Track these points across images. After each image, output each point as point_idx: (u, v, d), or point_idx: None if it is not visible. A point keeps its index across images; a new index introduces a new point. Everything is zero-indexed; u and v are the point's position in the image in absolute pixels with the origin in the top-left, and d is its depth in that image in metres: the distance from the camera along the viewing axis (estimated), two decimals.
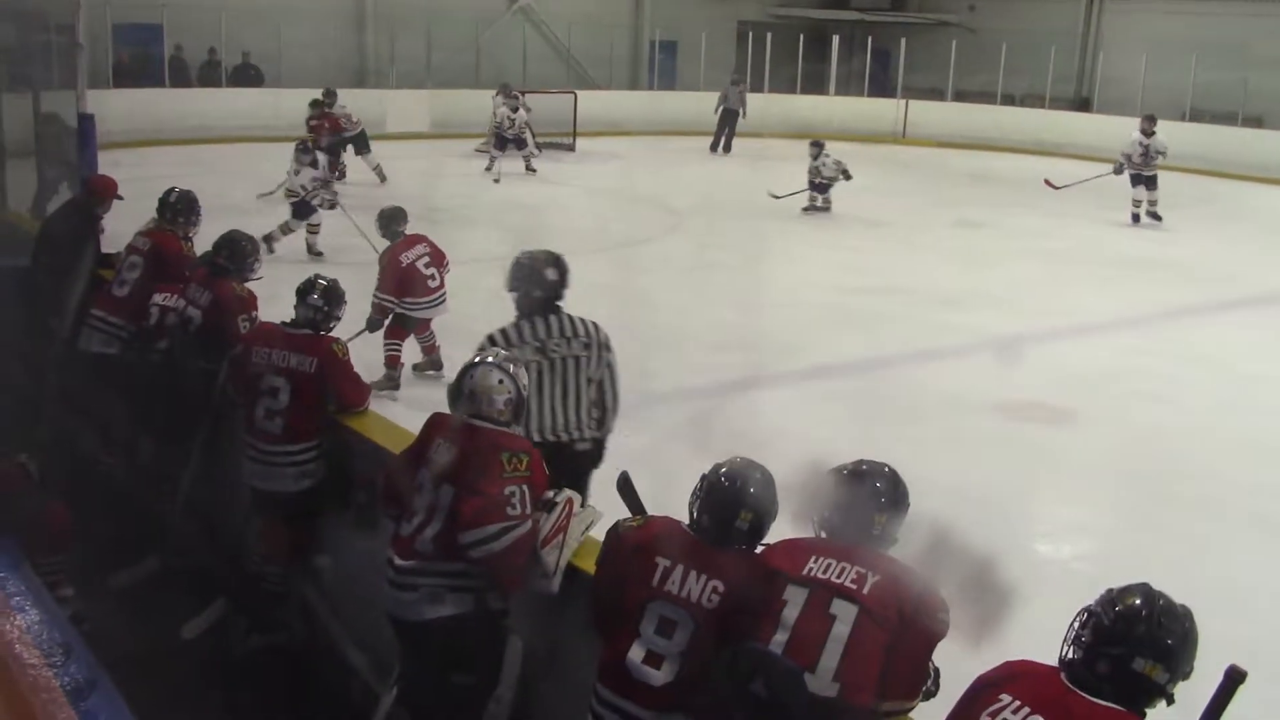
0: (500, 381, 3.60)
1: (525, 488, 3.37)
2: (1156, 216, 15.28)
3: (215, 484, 5.12)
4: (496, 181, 16.47)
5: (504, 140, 17.23)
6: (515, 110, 17.49)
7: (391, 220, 7.46)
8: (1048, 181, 16.16)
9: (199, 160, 15.37)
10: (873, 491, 2.92)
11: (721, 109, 22.22)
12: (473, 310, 9.29)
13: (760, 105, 24.63)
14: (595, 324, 4.45)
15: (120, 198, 7.03)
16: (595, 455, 4.42)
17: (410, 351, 7.75)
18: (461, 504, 3.36)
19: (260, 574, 4.66)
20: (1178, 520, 6.18)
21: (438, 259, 7.44)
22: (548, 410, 4.26)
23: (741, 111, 22.12)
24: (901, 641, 2.68)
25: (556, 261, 4.43)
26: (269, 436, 4.50)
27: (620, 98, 24.92)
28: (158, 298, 5.80)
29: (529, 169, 17.66)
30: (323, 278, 4.91)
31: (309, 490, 4.54)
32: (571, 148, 21.01)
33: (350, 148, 15.43)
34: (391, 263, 7.25)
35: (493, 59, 23.96)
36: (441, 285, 7.47)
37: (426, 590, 3.43)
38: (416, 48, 22.65)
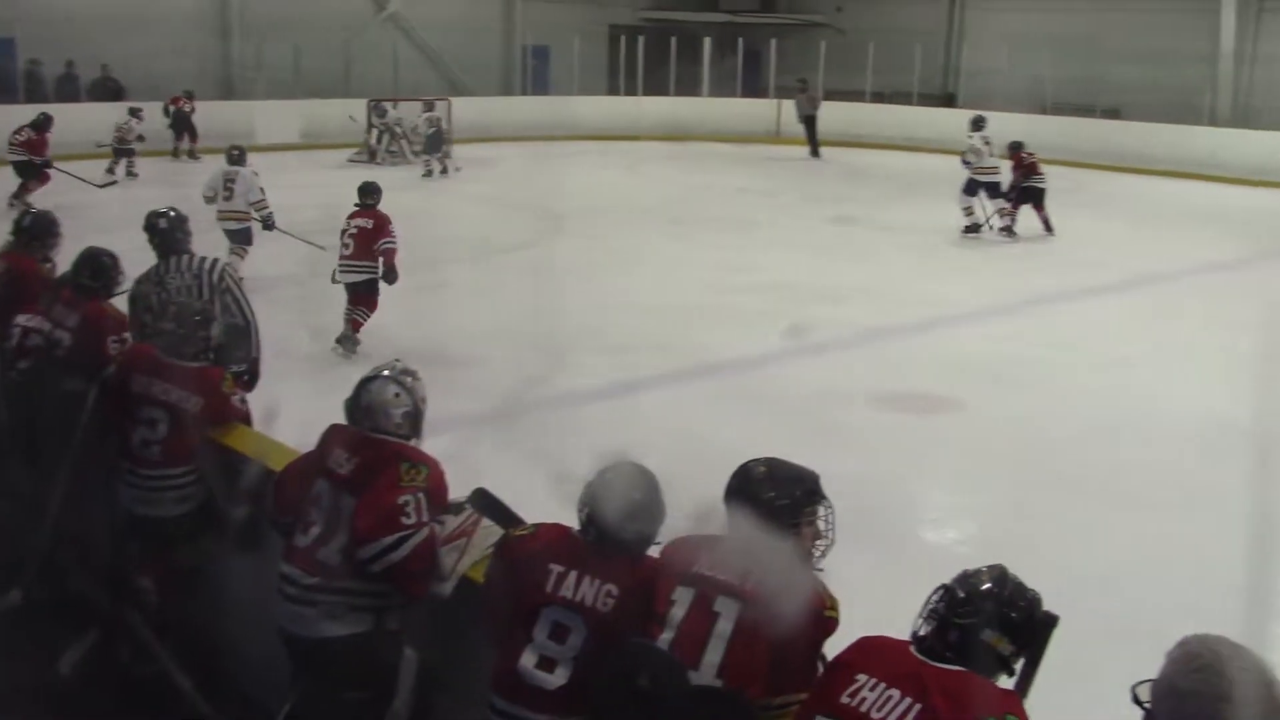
0: (397, 395, 3.56)
1: (421, 496, 3.34)
2: (972, 229, 14.48)
3: (87, 510, 4.95)
4: (429, 175, 18.68)
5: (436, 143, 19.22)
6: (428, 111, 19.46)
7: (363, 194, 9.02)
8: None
9: (58, 177, 14.84)
10: (757, 506, 2.92)
11: (801, 116, 22.86)
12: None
13: (634, 109, 24.81)
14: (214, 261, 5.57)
15: None
16: None
17: None
18: (356, 517, 3.33)
19: (139, 601, 4.51)
20: (1051, 500, 6.37)
21: (363, 235, 8.68)
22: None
23: (816, 113, 22.80)
24: (788, 637, 2.69)
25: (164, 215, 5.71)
26: (147, 462, 4.36)
27: (494, 103, 24.82)
28: (20, 319, 5.57)
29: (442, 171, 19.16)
30: (206, 306, 4.79)
31: (189, 514, 4.42)
32: (447, 154, 20.84)
33: None
34: None
35: (363, 67, 23.63)
36: (350, 254, 8.71)
37: (325, 606, 3.37)
38: (284, 57, 22.25)
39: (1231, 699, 1.96)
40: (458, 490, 3.52)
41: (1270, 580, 4.66)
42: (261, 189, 10.84)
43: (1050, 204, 14.58)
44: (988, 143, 14.43)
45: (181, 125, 19.63)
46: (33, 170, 14.88)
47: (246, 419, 4.57)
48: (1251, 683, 1.98)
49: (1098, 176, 20.46)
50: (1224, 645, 2.04)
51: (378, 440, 3.50)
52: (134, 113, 17.78)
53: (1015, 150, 14.57)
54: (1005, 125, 18.89)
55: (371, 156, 20.05)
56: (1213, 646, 2.04)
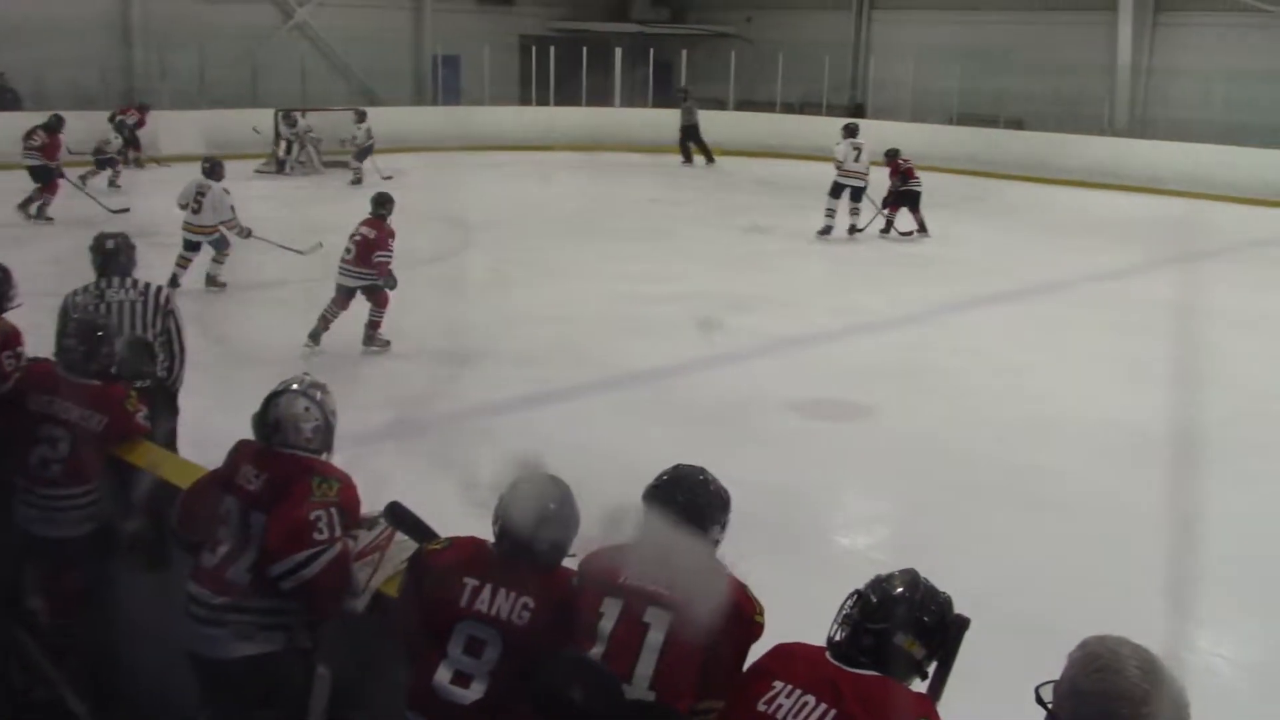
0: (307, 409, 3.51)
1: (334, 511, 3.29)
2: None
3: None
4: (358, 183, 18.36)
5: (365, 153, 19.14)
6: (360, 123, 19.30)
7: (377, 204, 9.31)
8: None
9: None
10: (674, 510, 2.92)
11: (684, 126, 23.14)
12: (258, 337, 9.09)
13: (546, 119, 24.74)
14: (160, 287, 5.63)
15: None
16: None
17: None
18: (267, 534, 3.27)
19: (36, 625, 4.38)
20: (964, 504, 6.48)
21: (364, 243, 8.97)
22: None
23: (697, 122, 23.14)
24: (718, 643, 2.71)
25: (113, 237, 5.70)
26: (47, 481, 4.24)
27: (404, 113, 24.59)
28: None
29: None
30: (86, 314, 4.66)
31: (93, 533, 4.30)
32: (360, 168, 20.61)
33: None
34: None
35: (270, 77, 23.28)
36: (350, 260, 9.02)
37: (235, 627, 3.30)
38: (188, 65, 21.83)
39: (1131, 698, 2.00)
40: (370, 504, 3.47)
41: (1171, 576, 4.78)
42: (232, 206, 10.89)
43: (956, 213, 14.99)
44: (857, 149, 15.09)
45: (128, 135, 19.30)
46: (48, 175, 14.72)
47: (143, 427, 4.46)
48: (1150, 682, 2.02)
49: (1002, 185, 20.90)
50: (1124, 646, 2.07)
51: (287, 455, 3.44)
52: (119, 126, 17.81)
53: (892, 157, 15.37)
54: (913, 135, 19.30)
55: (280, 167, 19.74)
56: (1112, 647, 2.07)
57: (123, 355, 4.65)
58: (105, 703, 4.17)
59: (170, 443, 5.24)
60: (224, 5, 23.03)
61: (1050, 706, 2.11)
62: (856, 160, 15.06)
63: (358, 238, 9.03)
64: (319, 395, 3.56)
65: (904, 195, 15.22)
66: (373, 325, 9.16)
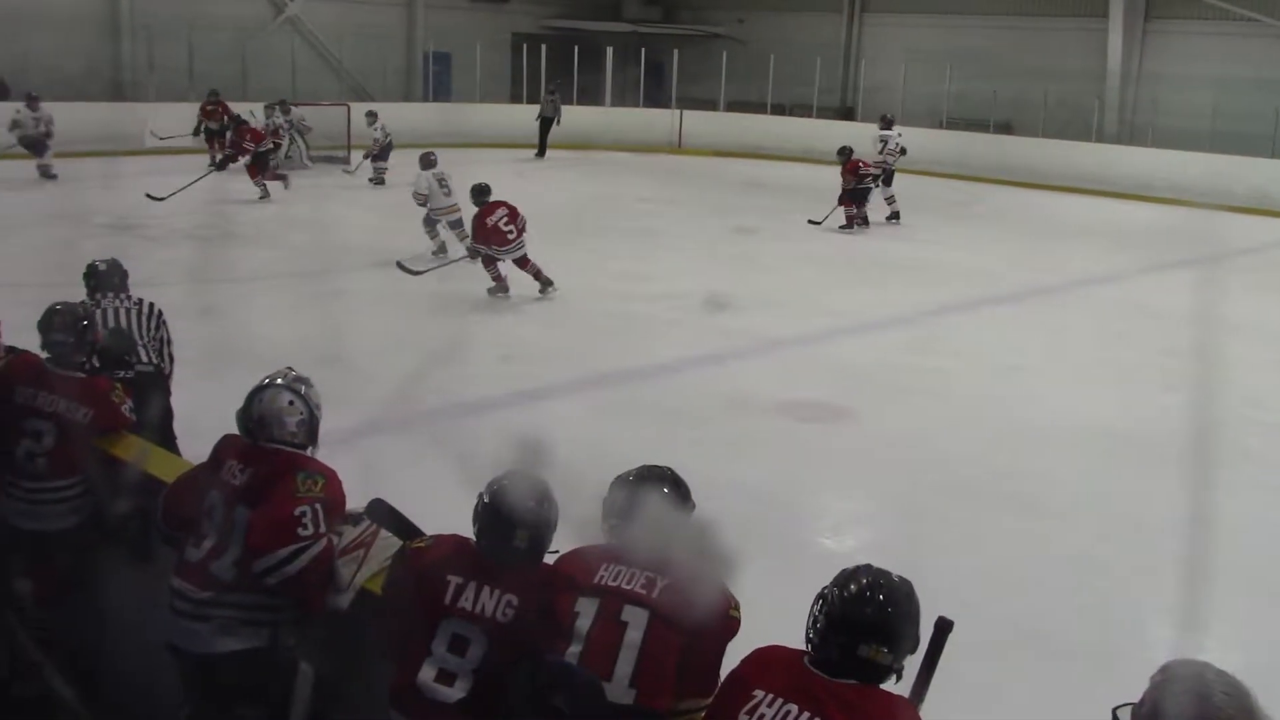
0: (291, 403, 3.49)
1: (319, 507, 3.27)
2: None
3: None
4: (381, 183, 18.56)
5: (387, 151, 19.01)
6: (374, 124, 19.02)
7: (480, 193, 11.05)
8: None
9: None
10: (659, 495, 2.94)
11: (540, 118, 23.54)
12: (254, 329, 9.03)
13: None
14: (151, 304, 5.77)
15: None
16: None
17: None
18: (251, 529, 3.25)
19: (19, 619, 4.35)
20: (950, 507, 6.48)
21: (514, 218, 10.79)
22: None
23: (556, 119, 23.59)
24: (695, 641, 2.71)
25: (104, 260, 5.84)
26: (32, 474, 4.21)
27: (395, 109, 24.49)
28: None
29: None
30: (68, 306, 4.62)
31: (78, 526, 4.28)
32: (346, 161, 20.55)
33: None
34: (478, 222, 10.85)
35: (259, 70, 23.20)
36: (519, 235, 10.76)
37: (219, 622, 3.28)
38: (177, 58, 21.74)
39: None
40: (355, 500, 3.46)
41: (1161, 582, 4.78)
42: None
43: (945, 217, 15.05)
44: (882, 141, 16.61)
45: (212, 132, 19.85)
46: (264, 163, 16.50)
47: (128, 419, 4.44)
48: (1238, 708, 1.99)
49: (991, 190, 20.94)
50: (1209, 670, 2.05)
51: (272, 450, 3.43)
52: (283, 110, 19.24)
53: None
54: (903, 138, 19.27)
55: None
56: (1198, 671, 2.05)
57: (105, 345, 4.64)
58: (89, 694, 4.15)
59: (166, 431, 5.34)
60: None
61: None
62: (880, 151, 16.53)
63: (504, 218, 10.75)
64: (303, 389, 3.55)
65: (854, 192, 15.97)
66: (536, 278, 10.89)
